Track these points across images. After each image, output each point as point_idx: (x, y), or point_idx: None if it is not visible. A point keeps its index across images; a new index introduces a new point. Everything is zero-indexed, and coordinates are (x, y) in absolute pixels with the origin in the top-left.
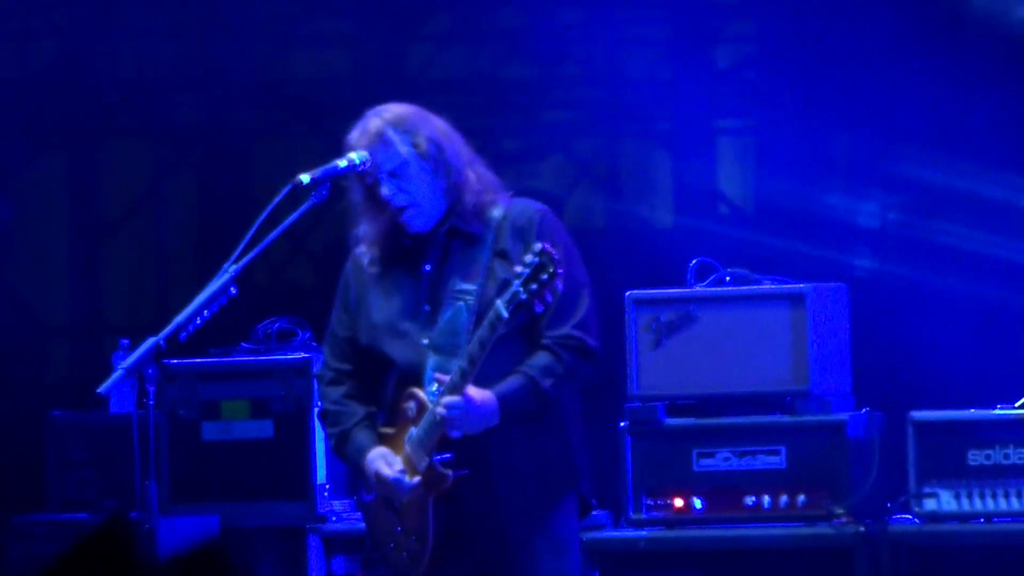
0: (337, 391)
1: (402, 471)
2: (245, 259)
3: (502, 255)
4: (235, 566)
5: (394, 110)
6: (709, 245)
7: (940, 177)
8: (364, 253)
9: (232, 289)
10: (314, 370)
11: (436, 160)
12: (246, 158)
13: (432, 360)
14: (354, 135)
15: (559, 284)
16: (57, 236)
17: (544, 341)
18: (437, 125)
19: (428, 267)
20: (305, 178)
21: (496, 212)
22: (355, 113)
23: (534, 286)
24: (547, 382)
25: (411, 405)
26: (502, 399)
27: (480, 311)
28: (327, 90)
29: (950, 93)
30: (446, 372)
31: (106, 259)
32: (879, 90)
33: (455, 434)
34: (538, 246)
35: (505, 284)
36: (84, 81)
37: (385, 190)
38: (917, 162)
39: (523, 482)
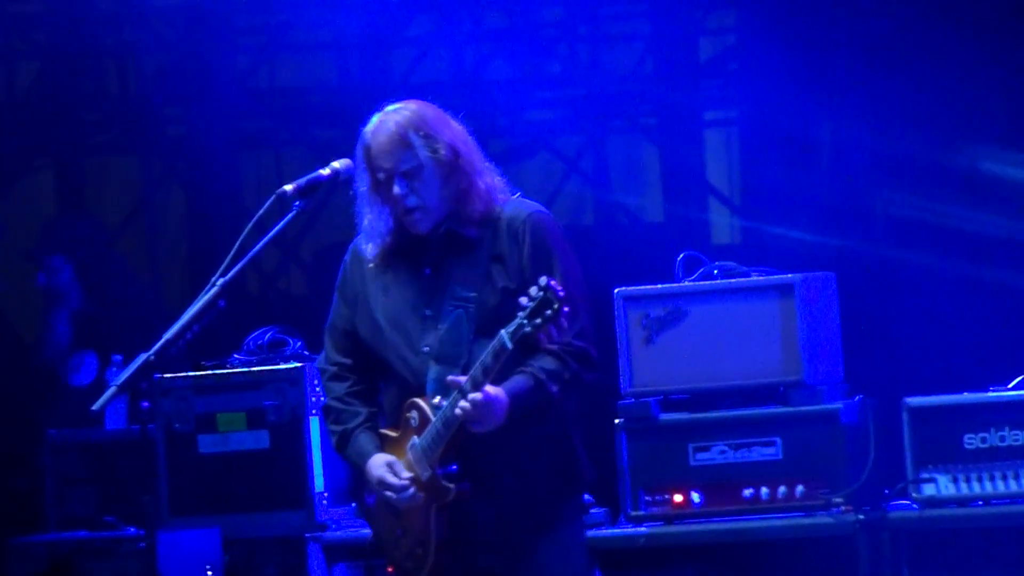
0: (339, 387)
1: (410, 478)
2: (233, 271)
3: (499, 260)
4: None
5: (416, 110)
6: (700, 237)
7: (931, 157)
8: (366, 246)
9: (221, 302)
10: (307, 379)
11: (451, 166)
12: (233, 169)
13: (433, 370)
14: (372, 131)
15: (564, 320)
16: None
17: (551, 347)
18: (456, 129)
19: (428, 270)
20: (289, 188)
21: (494, 215)
22: (339, 120)
23: (538, 320)
24: (554, 386)
25: (414, 415)
26: (513, 398)
27: (479, 319)
28: (313, 98)
29: (938, 70)
30: (445, 384)
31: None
32: (862, 73)
33: (478, 429)
34: (543, 280)
35: (504, 292)
36: (70, 97)
37: (397, 189)
38: (906, 143)
39: (529, 489)
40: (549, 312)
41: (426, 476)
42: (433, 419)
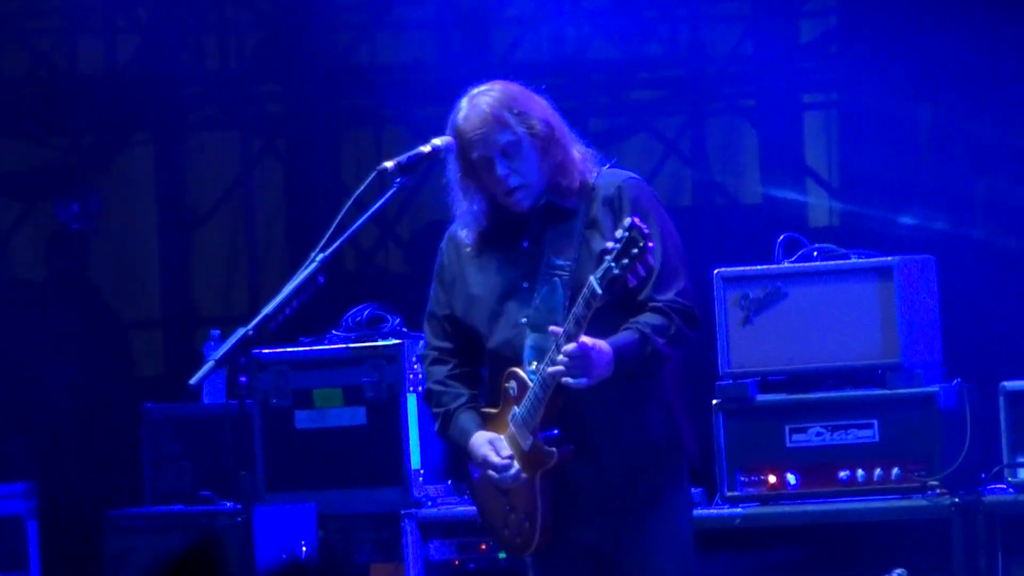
0: (440, 371)
1: (510, 456)
2: (333, 247)
3: (594, 226)
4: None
5: (503, 89)
6: (797, 220)
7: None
8: (461, 231)
9: (320, 277)
10: (404, 356)
11: (547, 140)
12: (333, 146)
13: (530, 338)
14: (464, 115)
15: (651, 258)
16: (146, 228)
17: (654, 304)
18: (544, 104)
19: (526, 243)
20: (389, 164)
21: (588, 185)
22: (439, 98)
23: (625, 260)
24: (660, 341)
25: (512, 384)
26: (617, 350)
27: (575, 286)
28: (412, 76)
29: None
30: (544, 350)
31: (195, 251)
32: (963, 56)
33: (574, 384)
34: (627, 220)
35: (599, 257)
36: (170, 73)
37: (499, 170)
38: (1006, 127)
39: (630, 458)
40: (636, 251)
41: (528, 444)
42: (531, 385)
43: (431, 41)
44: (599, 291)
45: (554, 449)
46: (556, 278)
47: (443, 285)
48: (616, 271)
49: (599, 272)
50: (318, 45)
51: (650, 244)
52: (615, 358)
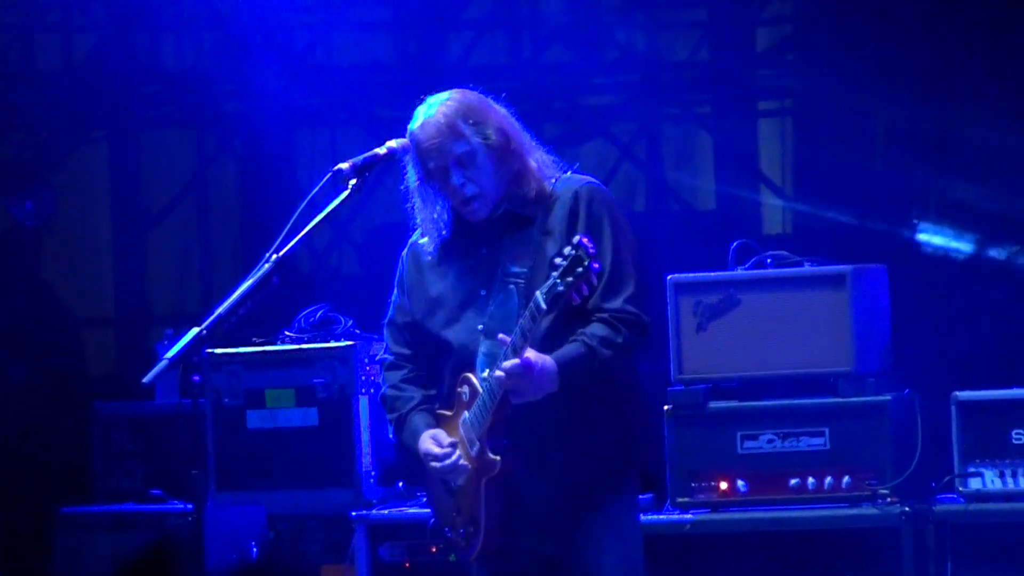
0: (395, 376)
1: (452, 445)
2: (287, 248)
3: (550, 234)
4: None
5: (460, 99)
6: (751, 226)
7: (987, 144)
8: (422, 240)
9: (274, 278)
10: (356, 357)
11: (503, 150)
12: (288, 146)
13: (484, 345)
14: (420, 125)
15: (595, 278)
16: (100, 226)
17: (602, 315)
18: (501, 113)
19: (484, 251)
20: (344, 166)
21: (547, 192)
22: (396, 100)
23: (570, 278)
24: (606, 352)
25: (465, 390)
26: (562, 365)
27: (530, 294)
28: (368, 77)
29: (999, 55)
30: (496, 357)
31: (149, 249)
32: (917, 65)
33: (517, 399)
34: (576, 238)
35: (548, 271)
36: (126, 71)
37: (454, 179)
38: (963, 129)
39: (578, 469)
40: (580, 270)
41: (474, 450)
42: (481, 392)
43: (388, 42)
44: (543, 306)
45: (497, 458)
46: (512, 285)
47: (404, 293)
48: (561, 288)
49: (545, 288)
50: (275, 44)
51: (595, 265)
52: (560, 373)
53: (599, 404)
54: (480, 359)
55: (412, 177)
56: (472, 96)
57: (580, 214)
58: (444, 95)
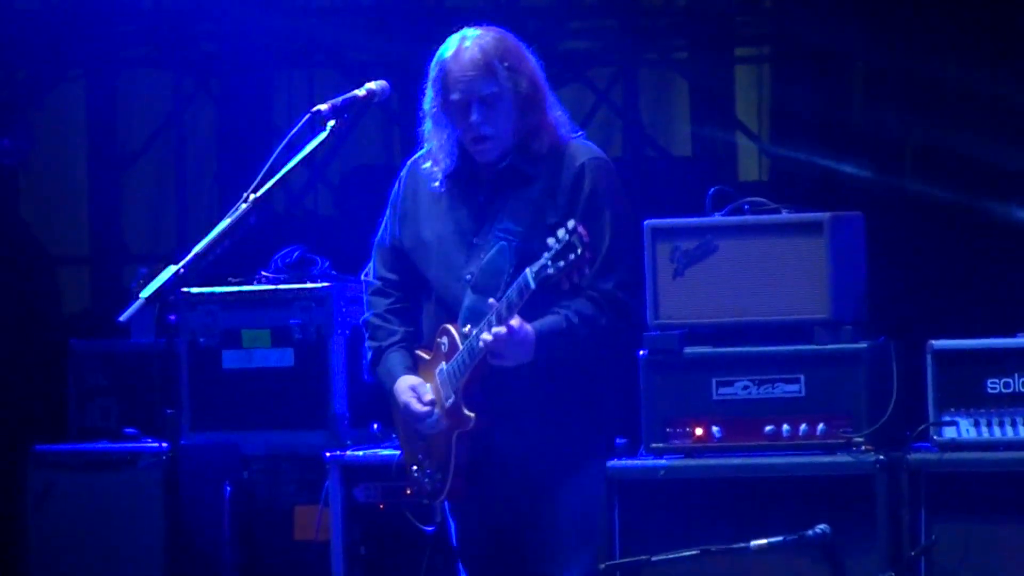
0: (381, 303)
1: (432, 402)
2: (264, 188)
3: (552, 197)
4: None
5: (500, 38)
6: (727, 173)
7: (966, 90)
8: (426, 164)
9: (252, 218)
10: (333, 299)
11: (530, 100)
12: (266, 87)
13: (469, 298)
14: (453, 54)
15: (585, 267)
16: (76, 166)
17: (592, 292)
18: (534, 63)
19: (482, 199)
20: (323, 107)
21: (556, 152)
22: (374, 42)
23: (561, 263)
24: (584, 332)
25: (444, 341)
26: (540, 337)
27: (522, 254)
28: (347, 19)
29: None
30: (479, 313)
31: (126, 188)
32: (898, 4)
33: (495, 362)
34: (571, 223)
35: (550, 229)
36: (103, 10)
37: (474, 116)
38: (942, 75)
39: (552, 434)
40: (572, 257)
41: (449, 402)
42: (461, 347)
43: None
44: (532, 286)
45: (472, 415)
46: (504, 241)
47: (395, 216)
48: (551, 271)
49: (536, 267)
50: None
51: (587, 255)
52: (537, 343)
53: (572, 376)
54: (463, 312)
55: (430, 101)
56: (511, 38)
57: (584, 188)
58: (482, 30)
